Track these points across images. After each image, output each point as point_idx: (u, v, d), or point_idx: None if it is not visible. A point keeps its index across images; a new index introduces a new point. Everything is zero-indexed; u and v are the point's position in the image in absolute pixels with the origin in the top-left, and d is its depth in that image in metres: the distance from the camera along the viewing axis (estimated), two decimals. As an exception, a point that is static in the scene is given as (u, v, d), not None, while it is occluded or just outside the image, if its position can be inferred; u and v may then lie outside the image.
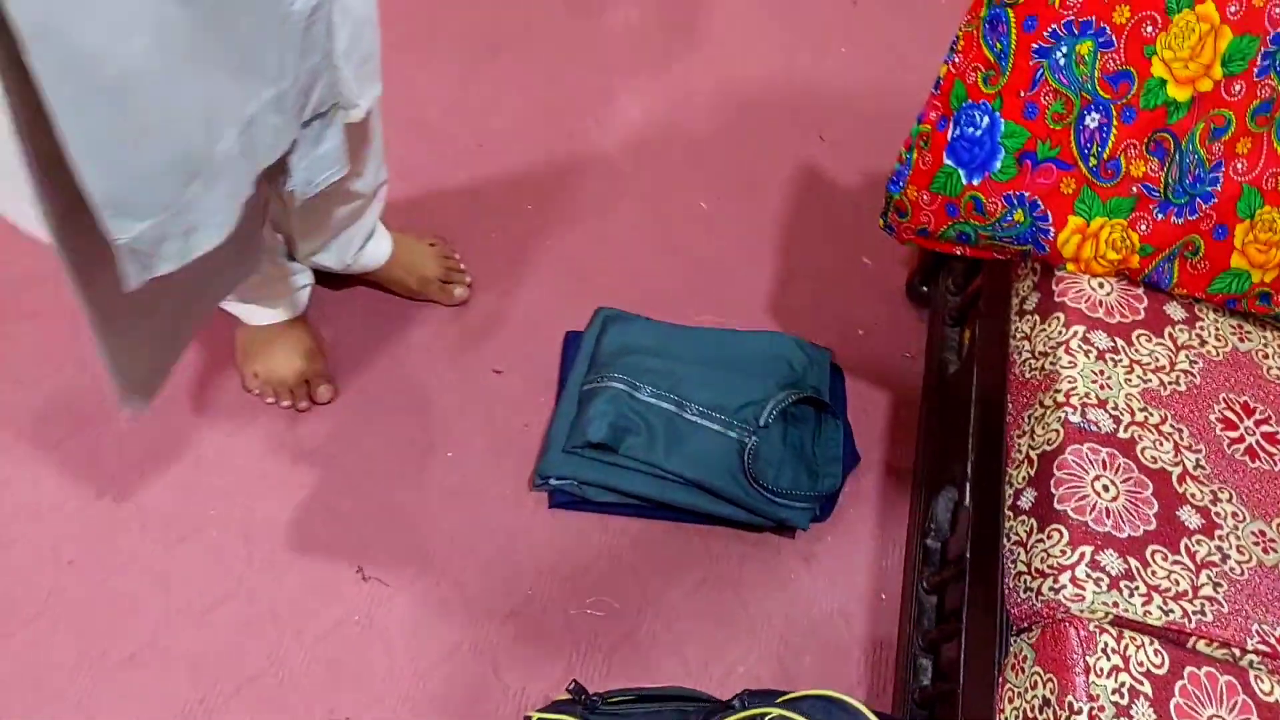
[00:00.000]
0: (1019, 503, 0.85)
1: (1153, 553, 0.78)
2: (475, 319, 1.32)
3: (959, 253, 1.01)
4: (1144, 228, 0.90)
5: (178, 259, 0.71)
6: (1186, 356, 0.91)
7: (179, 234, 0.70)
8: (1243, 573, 0.78)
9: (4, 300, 1.27)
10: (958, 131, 0.93)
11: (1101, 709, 0.69)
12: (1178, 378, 0.89)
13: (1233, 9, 0.82)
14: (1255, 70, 0.84)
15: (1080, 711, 0.69)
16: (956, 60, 0.92)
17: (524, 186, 1.45)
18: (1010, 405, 0.94)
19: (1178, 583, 0.77)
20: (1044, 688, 0.73)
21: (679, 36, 1.66)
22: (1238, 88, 0.84)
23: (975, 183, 0.93)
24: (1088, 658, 0.71)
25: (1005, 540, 0.84)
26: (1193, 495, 0.82)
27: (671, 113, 1.56)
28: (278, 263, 1.15)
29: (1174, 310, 0.94)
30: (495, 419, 1.24)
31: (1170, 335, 0.92)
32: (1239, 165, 0.86)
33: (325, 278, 1.27)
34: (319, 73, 0.77)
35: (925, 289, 1.35)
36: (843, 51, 1.67)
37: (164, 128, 0.64)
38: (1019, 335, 0.96)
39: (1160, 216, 0.90)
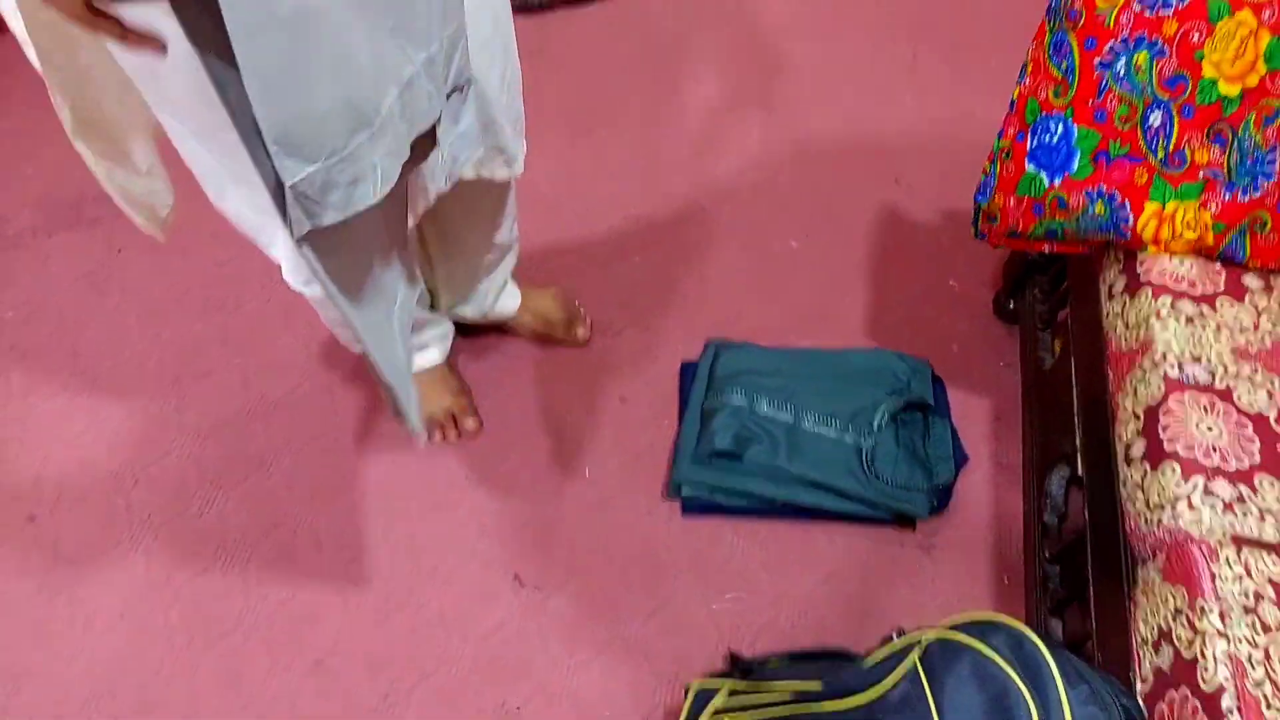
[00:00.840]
0: (1130, 454, 0.94)
1: (1260, 480, 0.86)
2: (596, 356, 1.46)
3: (1047, 250, 1.13)
4: (1214, 208, 1.02)
5: (341, 209, 0.75)
6: (1268, 318, 1.01)
7: (344, 183, 0.73)
8: (1346, 499, 0.86)
9: (182, 363, 1.44)
10: (1035, 141, 1.06)
11: (1230, 608, 0.77)
12: (1263, 337, 0.99)
13: (1267, 14, 0.95)
14: (1297, 64, 0.96)
15: (1211, 610, 0.77)
16: (1027, 81, 1.06)
17: (629, 240, 1.61)
18: (1110, 375, 1.04)
19: (1288, 509, 0.85)
20: (1175, 600, 0.81)
21: (755, 102, 1.84)
22: (1283, 80, 0.97)
23: (1057, 183, 1.06)
24: (1212, 566, 0.79)
25: (1122, 487, 0.93)
26: (1291, 434, 0.91)
27: (757, 168, 1.72)
28: (425, 314, 1.30)
29: (1251, 280, 1.04)
30: (625, 441, 1.36)
31: (1251, 301, 1.02)
32: (1293, 145, 0.98)
33: (463, 327, 1.43)
34: (457, 42, 0.80)
35: (1012, 305, 1.45)
36: (907, 103, 1.83)
37: (335, 72, 0.67)
38: (1111, 315, 1.07)
39: (1227, 196, 1.01)
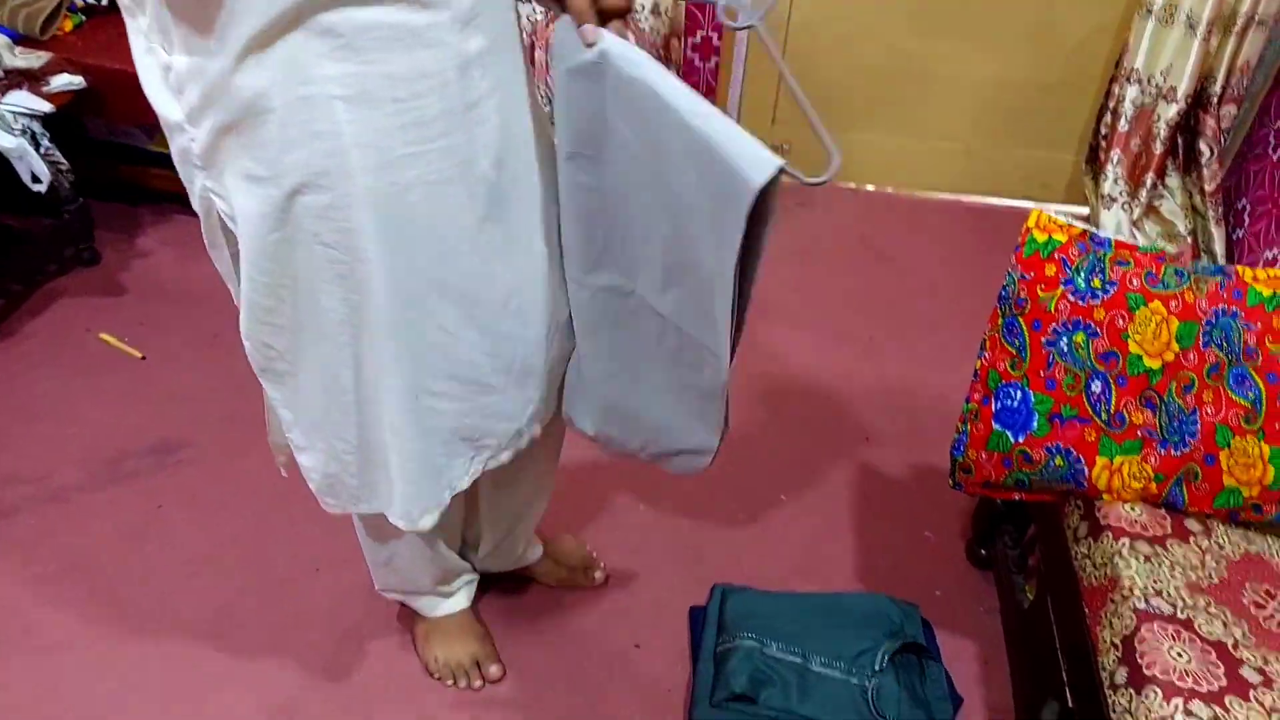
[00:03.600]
0: (1115, 681, 1.06)
1: (1230, 701, 0.98)
2: (608, 601, 1.55)
3: (1018, 498, 1.29)
4: (1154, 461, 1.20)
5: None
6: (1211, 556, 1.17)
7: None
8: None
9: (218, 616, 1.50)
10: (999, 404, 1.26)
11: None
12: (1209, 573, 1.14)
13: (1174, 304, 1.19)
14: (1200, 344, 1.19)
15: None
16: (987, 355, 1.28)
17: (635, 492, 1.75)
18: (1086, 610, 1.17)
19: (1260, 727, 0.96)
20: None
21: (733, 374, 2.06)
22: (1192, 357, 1.19)
23: (1021, 440, 1.24)
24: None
25: (1112, 713, 1.04)
26: (1248, 659, 1.03)
27: (742, 430, 1.90)
28: (454, 564, 1.40)
29: (1192, 524, 1.21)
30: (642, 685, 1.43)
31: (1195, 542, 1.18)
32: (1208, 410, 1.18)
33: (485, 576, 1.52)
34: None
35: (984, 552, 1.60)
36: (869, 375, 2.07)
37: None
38: (1079, 555, 1.22)
39: (1163, 452, 1.20)
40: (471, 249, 0.92)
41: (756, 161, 0.79)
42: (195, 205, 0.92)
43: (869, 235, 2.55)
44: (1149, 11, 2.13)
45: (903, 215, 2.65)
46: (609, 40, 0.84)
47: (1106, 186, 2.32)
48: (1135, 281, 1.19)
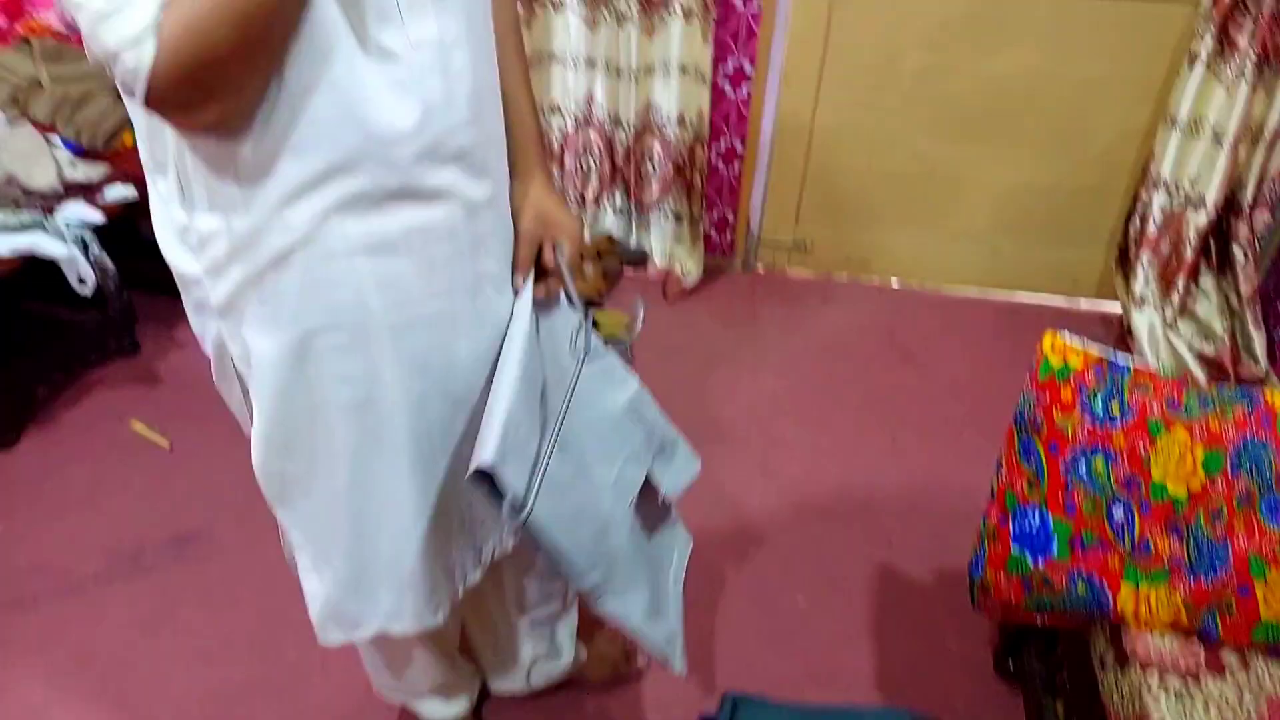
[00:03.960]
0: (1144, 830, 1.00)
1: None
2: (618, 709, 1.51)
3: (1040, 622, 1.25)
4: (1183, 591, 1.16)
5: None
6: (1249, 693, 1.11)
7: None
8: None
9: (224, 711, 1.49)
10: (1017, 527, 1.23)
11: None
12: (1247, 711, 1.09)
13: (1198, 431, 1.16)
14: (1229, 472, 1.16)
15: None
16: (1004, 475, 1.25)
17: (651, 598, 1.72)
18: (1114, 748, 1.12)
19: None
20: None
21: (755, 471, 2.04)
22: (1220, 485, 1.16)
23: (1041, 564, 1.21)
24: None
25: None
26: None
27: (759, 530, 1.88)
28: (453, 669, 1.38)
29: (1228, 656, 1.16)
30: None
31: (1231, 677, 1.13)
32: (1240, 539, 1.14)
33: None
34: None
35: (1011, 665, 1.54)
36: (891, 475, 2.04)
37: None
38: (1106, 685, 1.17)
39: (1192, 581, 1.16)
40: (482, 365, 0.97)
41: (484, 446, 0.86)
42: (207, 349, 0.95)
43: (894, 332, 2.54)
44: (1174, 123, 2.14)
45: (929, 311, 2.64)
46: (524, 293, 1.01)
47: (1138, 287, 2.30)
48: (1155, 407, 1.17)
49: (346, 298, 0.87)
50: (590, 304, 2.49)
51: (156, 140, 0.83)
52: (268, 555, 1.71)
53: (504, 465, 0.85)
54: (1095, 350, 1.21)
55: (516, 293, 1.02)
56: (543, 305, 1.05)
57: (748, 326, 2.57)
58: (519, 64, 1.04)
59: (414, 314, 0.90)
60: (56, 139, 2.16)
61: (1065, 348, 1.22)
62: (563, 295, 1.06)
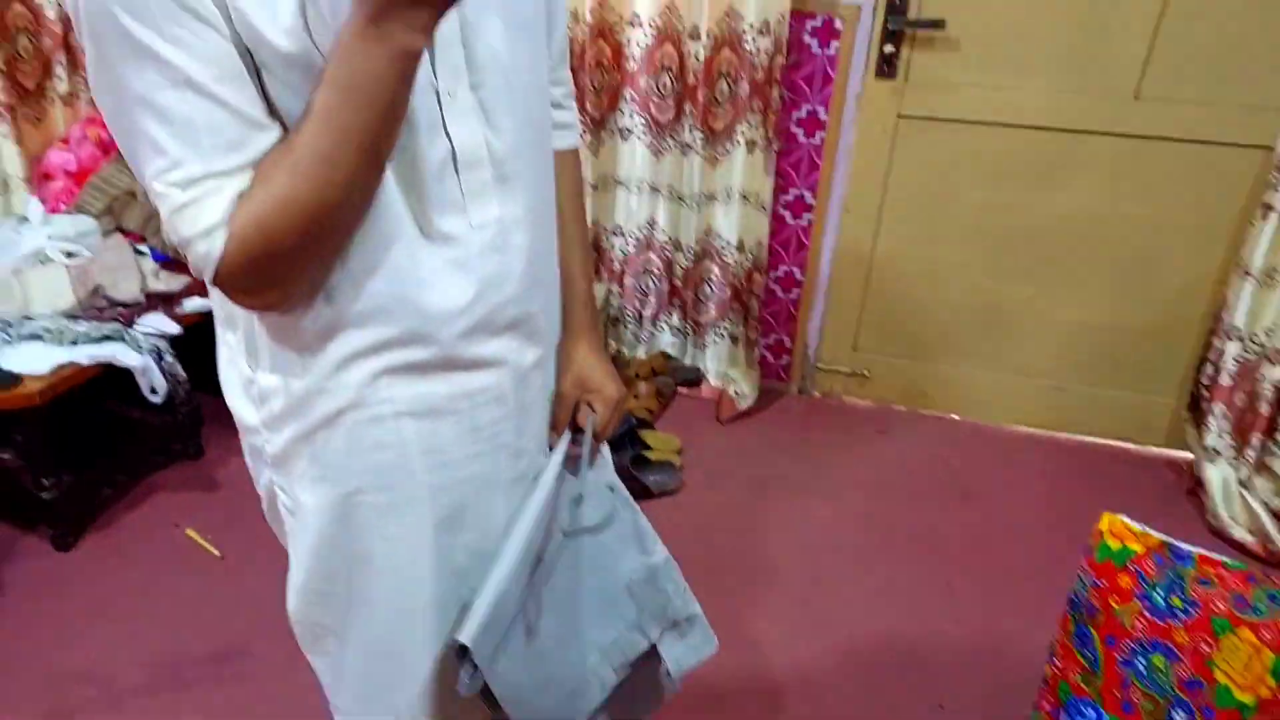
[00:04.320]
0: None
1: None
2: None
3: (1094, 828, 1.16)
4: (1251, 810, 1.07)
5: None
6: None
7: None
8: None
9: None
10: (1071, 721, 1.16)
11: None
12: None
13: (1267, 633, 1.09)
14: (1302, 679, 1.08)
15: None
16: (1058, 663, 1.19)
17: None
18: None
19: None
20: None
21: (800, 615, 1.98)
22: (1292, 692, 1.08)
23: (1095, 766, 1.13)
24: None
25: None
26: None
27: (805, 684, 1.81)
28: None
29: None
30: None
31: None
32: (1314, 756, 1.06)
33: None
34: None
35: None
36: (946, 626, 1.96)
37: None
38: None
39: (1263, 799, 1.07)
40: (509, 519, 0.98)
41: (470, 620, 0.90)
42: (259, 489, 0.98)
43: (953, 468, 2.48)
44: (1248, 273, 2.08)
45: (990, 448, 2.57)
46: (555, 455, 1.00)
47: (1210, 439, 2.21)
48: (1221, 605, 1.10)
49: (391, 459, 0.89)
50: (642, 424, 2.50)
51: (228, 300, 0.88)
52: (304, 677, 1.70)
53: (483, 638, 0.87)
54: (1156, 535, 1.15)
55: (551, 449, 1.03)
56: (573, 467, 1.05)
57: (800, 453, 2.53)
58: (578, 229, 1.07)
59: (455, 475, 0.92)
60: (145, 247, 2.29)
61: (1124, 529, 1.17)
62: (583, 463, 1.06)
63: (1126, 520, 1.17)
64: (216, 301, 0.90)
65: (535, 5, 0.89)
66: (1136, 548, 1.15)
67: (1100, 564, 1.16)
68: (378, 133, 0.72)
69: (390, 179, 0.78)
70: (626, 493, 1.08)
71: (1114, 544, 1.16)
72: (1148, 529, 1.15)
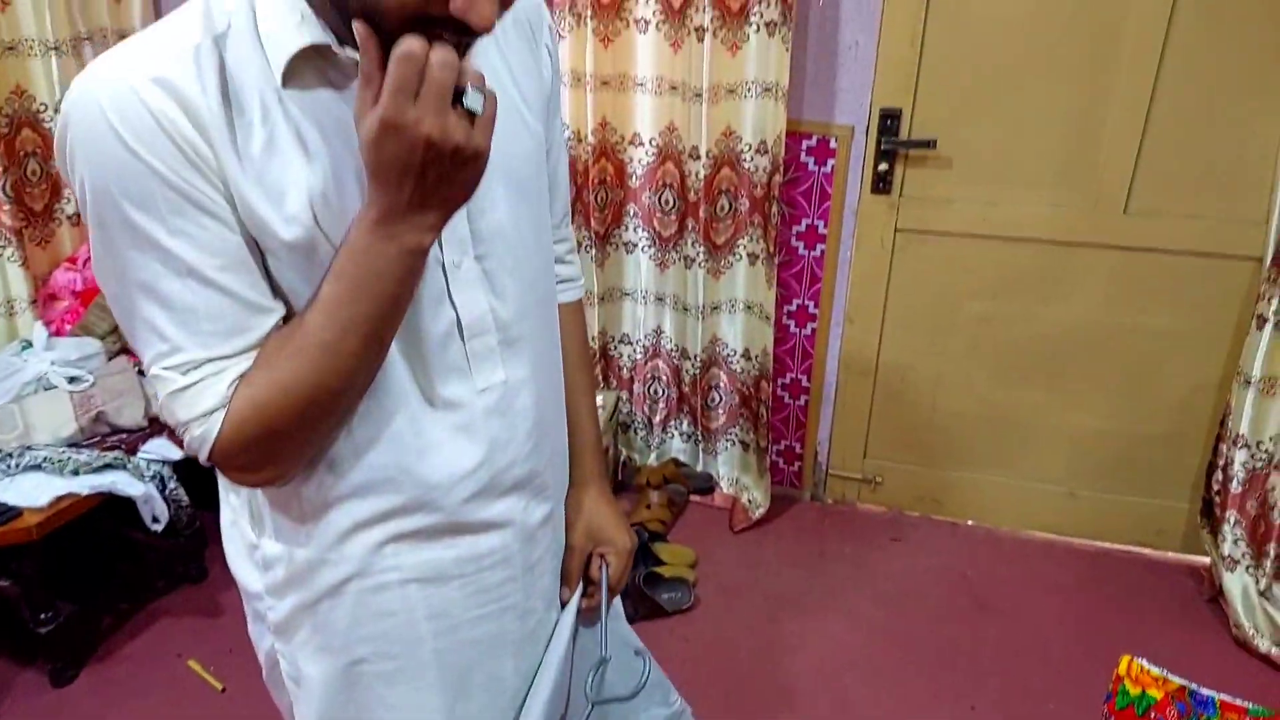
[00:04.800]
0: None
1: None
2: None
3: None
4: None
5: None
6: None
7: None
8: None
9: None
10: None
11: None
12: None
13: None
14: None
15: None
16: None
17: None
18: None
19: None
20: None
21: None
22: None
23: None
24: None
25: None
26: None
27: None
28: None
29: None
30: None
31: None
32: None
33: None
34: None
35: None
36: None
37: None
38: None
39: None
40: (527, 683, 0.97)
41: None
42: (260, 657, 0.96)
43: (969, 577, 2.44)
44: (1248, 382, 2.09)
45: (1006, 555, 2.53)
46: (568, 610, 1.00)
47: (1226, 548, 2.18)
48: (1249, 754, 1.07)
49: (397, 626, 0.88)
50: (654, 536, 2.48)
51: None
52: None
53: None
54: (1175, 680, 1.13)
55: (563, 605, 1.02)
56: (586, 619, 1.04)
57: (815, 565, 2.50)
58: (584, 378, 1.08)
59: (462, 638, 0.91)
60: (151, 369, 2.31)
61: (1144, 674, 1.15)
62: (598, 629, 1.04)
63: (1145, 664, 1.15)
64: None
65: (538, 167, 0.90)
66: (1156, 694, 1.13)
67: (1120, 710, 1.14)
68: (383, 322, 0.73)
69: (394, 351, 0.79)
70: (647, 651, 1.06)
71: (1134, 689, 1.14)
72: (1167, 674, 1.13)
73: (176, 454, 2.10)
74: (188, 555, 2.30)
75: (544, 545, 0.96)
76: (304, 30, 0.70)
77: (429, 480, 0.83)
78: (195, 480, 2.15)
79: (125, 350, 2.37)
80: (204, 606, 2.26)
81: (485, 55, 0.82)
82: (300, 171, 0.72)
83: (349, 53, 0.72)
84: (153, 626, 2.19)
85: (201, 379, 0.73)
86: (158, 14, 2.62)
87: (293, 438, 0.76)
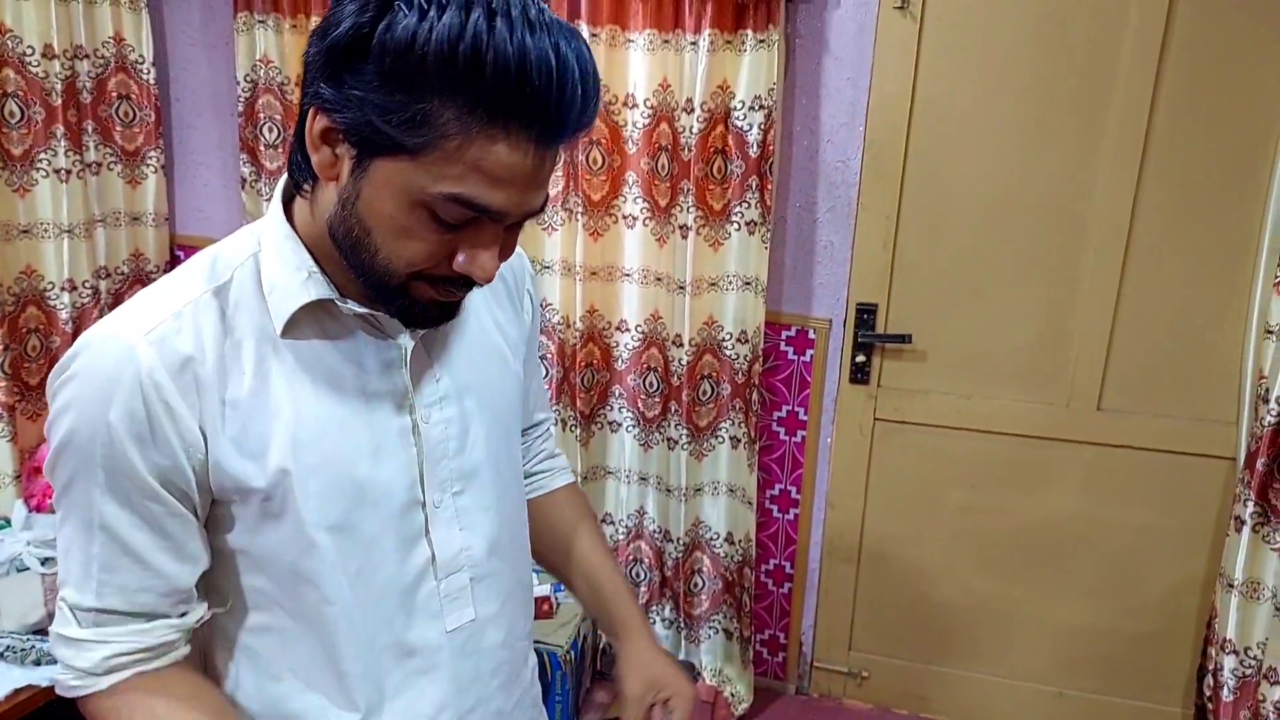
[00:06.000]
0: None
1: None
2: None
3: None
4: None
5: None
6: None
7: None
8: None
9: None
10: None
11: None
12: None
13: None
14: None
15: None
16: None
17: None
18: None
19: None
20: None
21: None
22: None
23: None
24: None
25: None
26: None
27: None
28: None
29: None
30: None
31: None
32: None
33: None
34: None
35: None
36: None
37: None
38: None
39: None
40: None
41: None
42: None
43: (958, 783, 2.33)
44: (1231, 585, 2.07)
45: (996, 758, 2.43)
46: None
47: (1223, 759, 2.10)
48: None
49: None
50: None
51: None
52: None
53: None
54: None
55: None
56: None
57: (798, 767, 2.40)
58: (600, 542, 1.09)
59: None
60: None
61: None
62: None
63: None
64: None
65: (515, 406, 0.94)
66: None
67: None
68: None
69: (353, 601, 0.79)
70: None
71: None
72: None
73: (144, 641, 2.06)
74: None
75: None
76: (310, 286, 0.76)
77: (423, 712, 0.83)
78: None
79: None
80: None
81: (472, 302, 0.87)
82: (286, 421, 0.75)
83: (350, 306, 0.77)
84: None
85: (92, 640, 0.76)
86: (170, 198, 2.76)
87: None
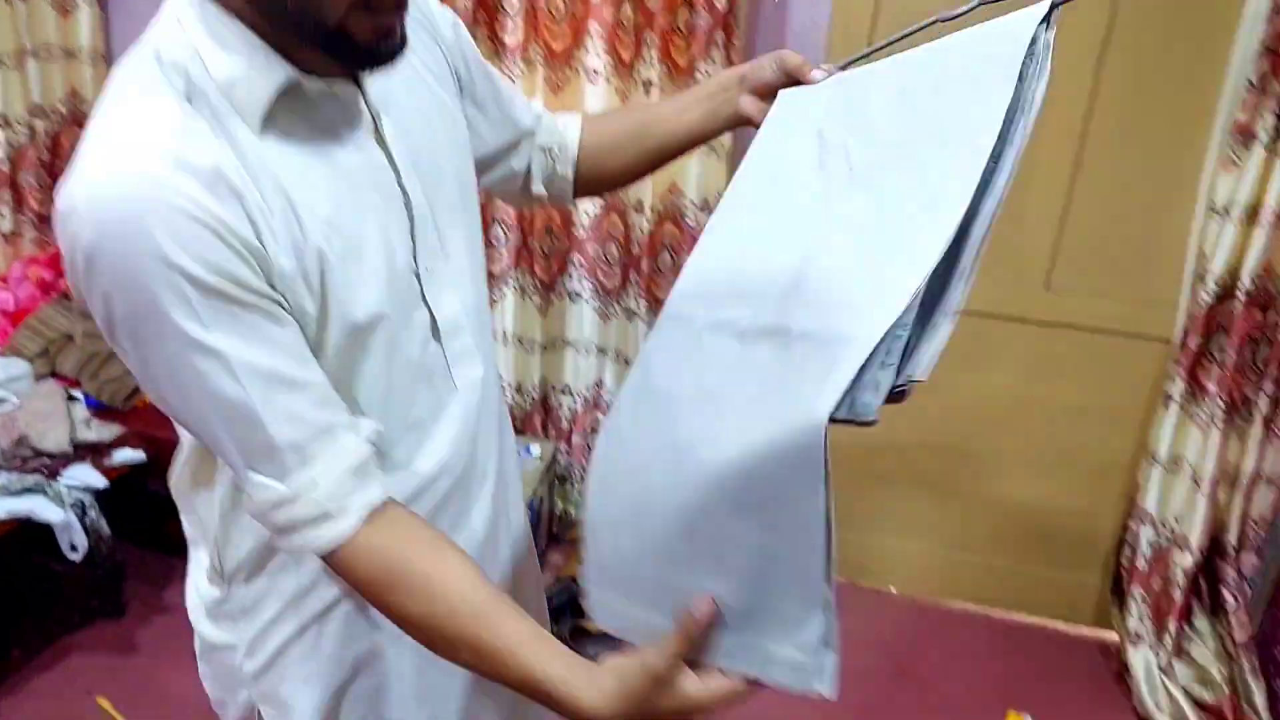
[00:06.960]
0: None
1: None
2: None
3: None
4: None
5: None
6: None
7: None
8: None
9: None
10: None
11: None
12: None
13: None
14: None
15: None
16: None
17: None
18: None
19: None
20: None
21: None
22: None
23: None
24: None
25: None
26: None
27: None
28: None
29: None
30: None
31: None
32: None
33: None
34: None
35: None
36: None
37: None
38: None
39: None
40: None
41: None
42: (231, 713, 0.95)
43: (890, 645, 2.46)
44: (1155, 459, 2.16)
45: (925, 624, 2.57)
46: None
47: (1132, 624, 2.24)
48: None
49: (381, 639, 0.88)
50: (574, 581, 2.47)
51: (194, 522, 0.89)
52: None
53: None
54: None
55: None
56: None
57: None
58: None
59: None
60: (79, 392, 2.28)
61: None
62: None
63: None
64: (186, 521, 0.91)
65: (464, 143, 0.93)
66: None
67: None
68: (471, 666, 0.75)
69: (396, 363, 0.81)
70: None
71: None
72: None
73: (100, 481, 2.07)
74: (105, 589, 2.26)
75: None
76: (270, 73, 0.69)
77: (420, 478, 0.85)
78: (117, 511, 2.13)
79: (55, 373, 2.34)
80: (119, 643, 2.22)
81: (406, 61, 0.82)
82: (311, 212, 0.72)
83: (313, 82, 0.72)
84: (64, 661, 2.15)
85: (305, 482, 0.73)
86: (106, 31, 2.60)
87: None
